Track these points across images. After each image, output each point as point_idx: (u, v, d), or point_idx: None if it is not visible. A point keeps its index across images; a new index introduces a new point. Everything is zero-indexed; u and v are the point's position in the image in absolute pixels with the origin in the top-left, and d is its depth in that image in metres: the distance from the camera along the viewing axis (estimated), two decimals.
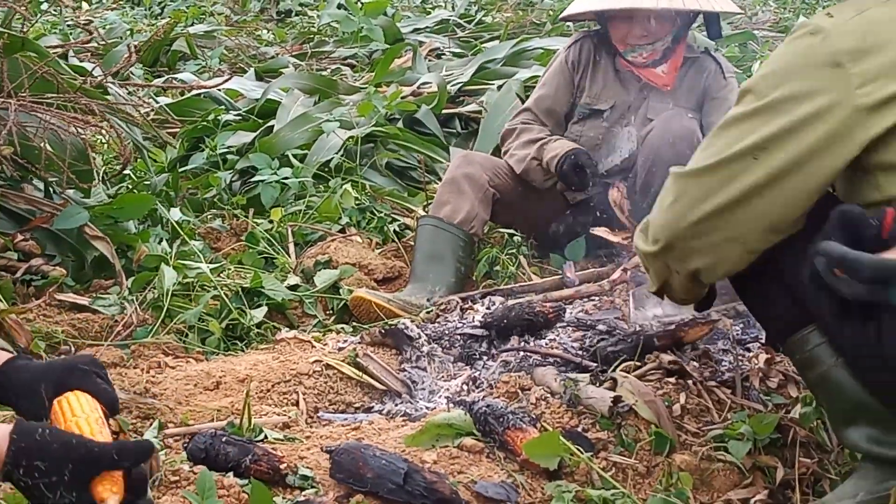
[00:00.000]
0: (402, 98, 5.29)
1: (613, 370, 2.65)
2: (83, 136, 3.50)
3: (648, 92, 3.75)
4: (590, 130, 3.83)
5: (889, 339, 1.82)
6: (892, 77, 1.80)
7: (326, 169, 4.47)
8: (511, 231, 3.94)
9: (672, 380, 2.65)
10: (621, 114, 3.77)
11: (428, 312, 3.31)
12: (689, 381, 2.66)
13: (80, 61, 5.78)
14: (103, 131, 3.89)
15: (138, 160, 4.21)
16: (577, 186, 3.67)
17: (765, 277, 2.09)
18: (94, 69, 4.51)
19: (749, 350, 2.89)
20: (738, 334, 3.00)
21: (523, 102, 4.83)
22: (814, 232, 1.86)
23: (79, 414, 1.53)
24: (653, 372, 2.71)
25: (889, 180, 1.85)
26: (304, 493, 2.09)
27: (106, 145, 4.55)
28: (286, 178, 4.24)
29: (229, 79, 5.11)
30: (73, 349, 2.88)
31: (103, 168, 4.06)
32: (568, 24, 7.48)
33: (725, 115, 2.03)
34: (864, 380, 1.99)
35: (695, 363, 2.77)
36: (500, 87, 5.28)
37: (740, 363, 2.76)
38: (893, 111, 1.80)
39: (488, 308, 3.26)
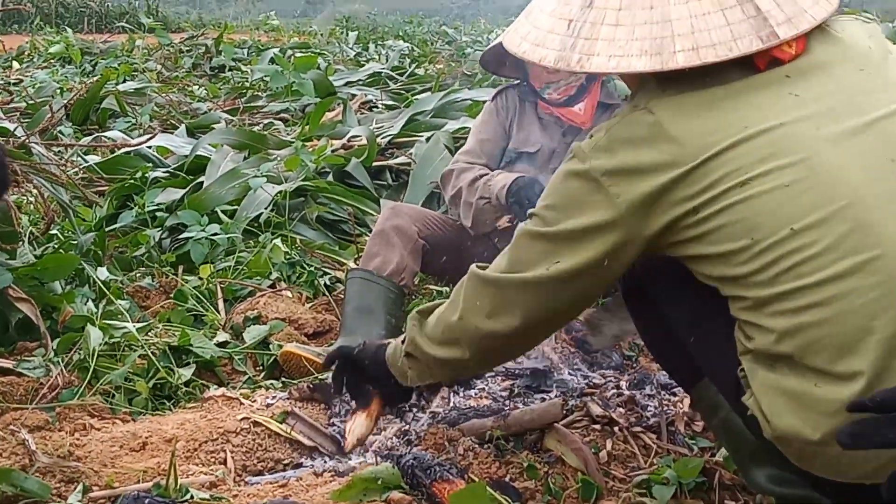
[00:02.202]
0: (332, 151, 5.31)
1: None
2: (6, 198, 3.46)
3: (572, 136, 3.80)
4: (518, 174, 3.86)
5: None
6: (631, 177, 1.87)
7: (256, 224, 4.47)
8: (439, 288, 3.96)
9: (598, 427, 2.68)
10: (547, 158, 3.82)
11: None
12: (616, 428, 2.69)
13: (9, 121, 5.73)
14: (28, 192, 3.85)
15: (65, 220, 4.17)
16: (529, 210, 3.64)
17: (661, 334, 2.16)
18: (16, 129, 4.47)
19: (675, 395, 2.93)
20: (663, 379, 3.03)
21: (452, 153, 4.90)
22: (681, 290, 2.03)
23: None
24: (580, 419, 2.74)
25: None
26: None
27: (31, 205, 4.51)
28: (215, 234, 4.23)
29: (154, 136, 5.08)
30: None
31: (29, 228, 4.01)
32: (497, 76, 7.58)
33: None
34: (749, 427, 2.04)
35: (621, 409, 2.80)
36: (428, 139, 5.32)
37: (665, 408, 2.80)
38: (660, 208, 1.87)
39: None
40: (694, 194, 1.83)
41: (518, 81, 3.98)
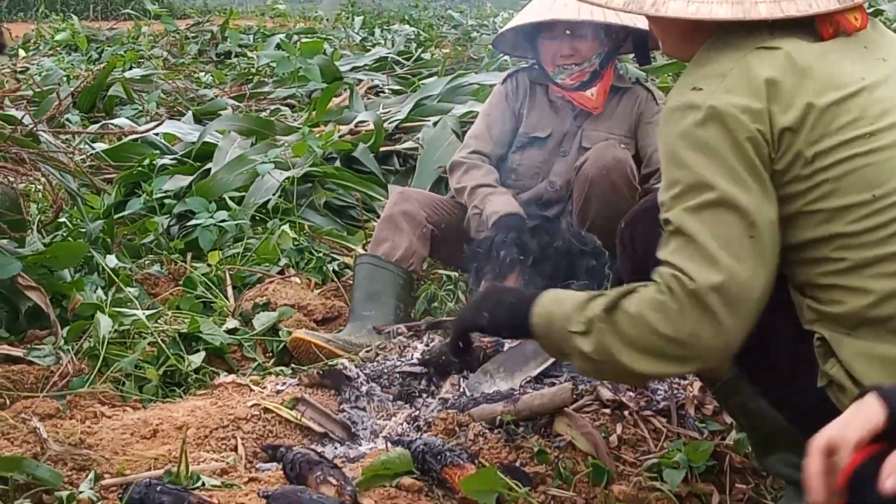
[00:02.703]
0: (339, 137, 5.31)
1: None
2: (14, 186, 3.47)
3: (583, 120, 3.79)
4: (528, 159, 3.86)
5: (801, 373, 1.87)
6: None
7: (264, 210, 4.47)
8: (448, 272, 3.96)
9: (608, 411, 2.67)
10: (557, 142, 3.81)
11: (367, 351, 3.31)
12: (626, 412, 2.69)
13: (16, 109, 5.74)
14: (36, 180, 3.86)
15: (73, 208, 4.18)
16: (510, 257, 3.54)
17: None
18: (23, 117, 4.47)
19: (684, 378, 2.92)
20: None
21: (459, 138, 4.89)
22: None
23: None
24: (590, 403, 2.74)
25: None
26: None
27: (40, 193, 4.51)
28: (223, 220, 4.24)
29: (161, 123, 5.08)
30: (7, 402, 2.85)
31: (37, 216, 4.01)
32: (505, 58, 7.57)
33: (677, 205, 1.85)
34: (779, 408, 2.02)
35: (630, 393, 2.79)
36: (435, 124, 5.31)
37: (675, 392, 2.80)
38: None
39: (427, 345, 3.26)
40: (814, 140, 1.78)
41: (529, 64, 3.97)
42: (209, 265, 3.94)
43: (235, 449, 2.63)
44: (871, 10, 8.05)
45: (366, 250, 3.87)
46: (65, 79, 8.20)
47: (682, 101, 1.85)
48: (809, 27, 1.87)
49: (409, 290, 3.69)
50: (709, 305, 1.75)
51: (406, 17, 15.87)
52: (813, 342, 1.88)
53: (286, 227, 4.15)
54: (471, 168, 3.83)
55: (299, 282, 3.87)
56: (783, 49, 1.82)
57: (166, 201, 4.62)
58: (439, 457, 2.37)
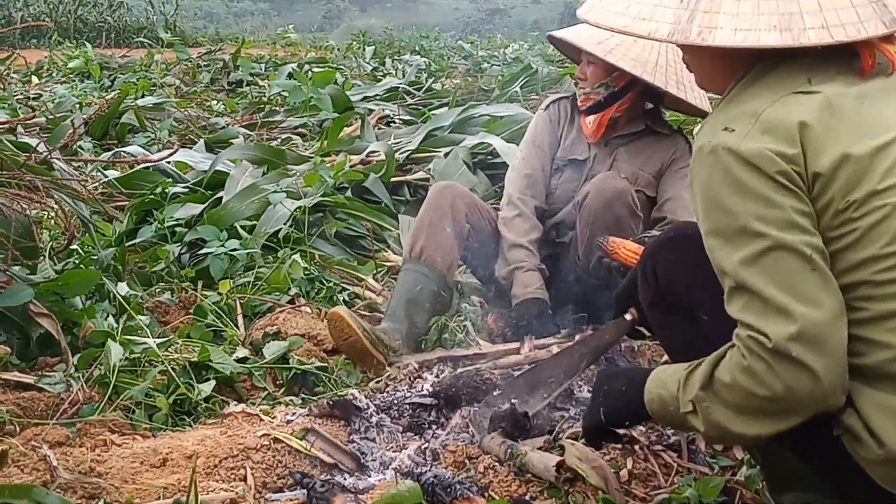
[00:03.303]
0: (350, 166, 5.33)
1: (561, 437, 2.67)
2: (27, 213, 3.49)
3: (615, 148, 3.83)
4: (566, 183, 3.96)
5: (818, 418, 1.87)
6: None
7: (275, 239, 4.48)
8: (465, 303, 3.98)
9: (619, 445, 2.67)
10: (590, 168, 3.87)
11: (377, 382, 3.32)
12: (636, 446, 2.69)
13: (29, 136, 5.77)
14: (49, 207, 3.87)
15: (85, 235, 4.20)
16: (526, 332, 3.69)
17: (694, 348, 2.11)
18: (38, 145, 4.50)
19: None
20: None
21: (470, 169, 4.92)
22: None
23: None
24: None
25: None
26: None
27: (52, 221, 4.53)
28: (234, 249, 4.25)
29: (174, 151, 5.10)
30: (17, 429, 2.85)
31: (50, 243, 4.03)
32: (516, 91, 7.62)
33: (729, 262, 1.84)
34: (793, 449, 2.02)
35: (641, 427, 2.79)
36: (446, 154, 5.33)
37: None
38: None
39: (437, 376, 3.26)
40: (848, 189, 1.78)
41: (567, 96, 4.08)
42: (220, 293, 3.94)
43: (245, 479, 2.62)
44: None
45: (409, 244, 3.88)
46: (77, 106, 8.24)
47: (714, 142, 1.84)
48: (849, 63, 1.87)
49: (446, 293, 3.81)
50: (794, 357, 1.75)
51: (417, 48, 15.97)
52: None
53: (297, 257, 4.16)
54: (515, 218, 3.92)
55: (310, 311, 3.87)
56: (821, 93, 1.83)
57: (178, 229, 4.63)
58: (449, 489, 2.37)
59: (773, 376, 1.77)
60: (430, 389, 3.10)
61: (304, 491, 2.51)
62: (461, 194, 3.92)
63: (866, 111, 1.83)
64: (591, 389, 3.07)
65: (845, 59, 1.87)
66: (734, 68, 1.95)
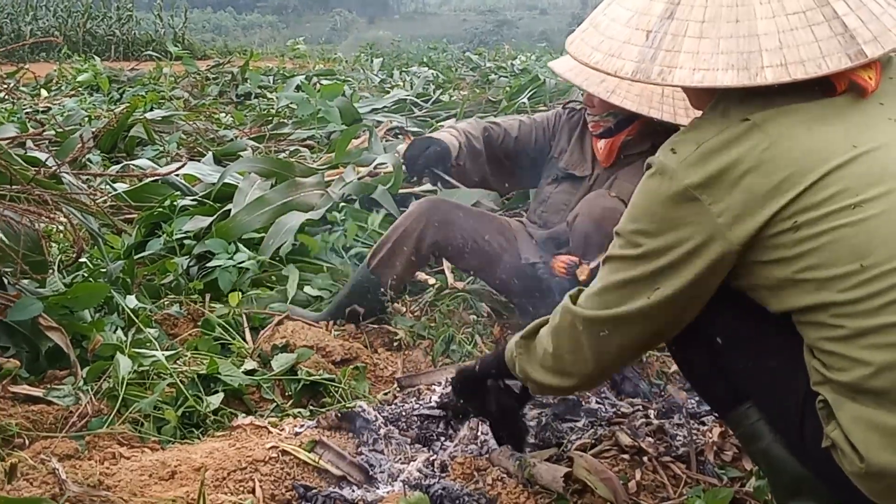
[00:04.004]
0: (359, 178, 5.33)
1: (569, 449, 2.66)
2: (36, 227, 3.50)
3: (618, 169, 3.82)
4: (560, 194, 3.93)
5: (813, 430, 1.88)
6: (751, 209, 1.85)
7: (278, 256, 4.48)
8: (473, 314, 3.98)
9: (627, 456, 2.67)
10: (589, 186, 3.86)
11: (385, 394, 3.32)
12: (645, 458, 2.68)
13: (38, 149, 5.79)
14: (57, 221, 3.89)
15: (94, 248, 4.21)
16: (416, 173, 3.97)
17: (701, 359, 2.13)
18: (47, 159, 4.51)
19: (704, 424, 2.91)
20: (692, 408, 3.02)
21: None
22: (746, 315, 1.97)
23: None
24: (609, 449, 2.73)
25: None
26: None
27: (61, 234, 4.54)
28: (242, 262, 4.25)
29: (183, 164, 5.11)
30: (26, 442, 2.86)
31: (58, 257, 4.04)
32: (523, 102, 7.63)
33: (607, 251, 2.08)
34: (796, 458, 2.02)
35: (650, 438, 2.79)
36: None
37: (695, 437, 2.79)
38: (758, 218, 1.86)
39: (445, 388, 3.26)
40: (800, 210, 1.81)
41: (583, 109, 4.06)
42: (228, 306, 3.95)
43: (253, 491, 2.62)
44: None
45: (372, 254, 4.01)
46: (86, 119, 8.27)
47: (659, 159, 1.93)
48: (821, 83, 1.88)
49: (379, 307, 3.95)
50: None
51: (425, 59, 15.99)
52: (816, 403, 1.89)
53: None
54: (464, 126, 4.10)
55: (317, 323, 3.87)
56: (764, 131, 1.85)
57: (186, 242, 4.64)
58: (457, 501, 2.37)
59: None
60: (438, 401, 3.10)
61: None
62: (442, 213, 3.92)
63: (814, 140, 1.84)
64: (599, 400, 3.08)
65: (815, 83, 1.87)
66: (711, 94, 1.97)
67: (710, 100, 1.97)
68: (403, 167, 3.92)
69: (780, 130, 1.84)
